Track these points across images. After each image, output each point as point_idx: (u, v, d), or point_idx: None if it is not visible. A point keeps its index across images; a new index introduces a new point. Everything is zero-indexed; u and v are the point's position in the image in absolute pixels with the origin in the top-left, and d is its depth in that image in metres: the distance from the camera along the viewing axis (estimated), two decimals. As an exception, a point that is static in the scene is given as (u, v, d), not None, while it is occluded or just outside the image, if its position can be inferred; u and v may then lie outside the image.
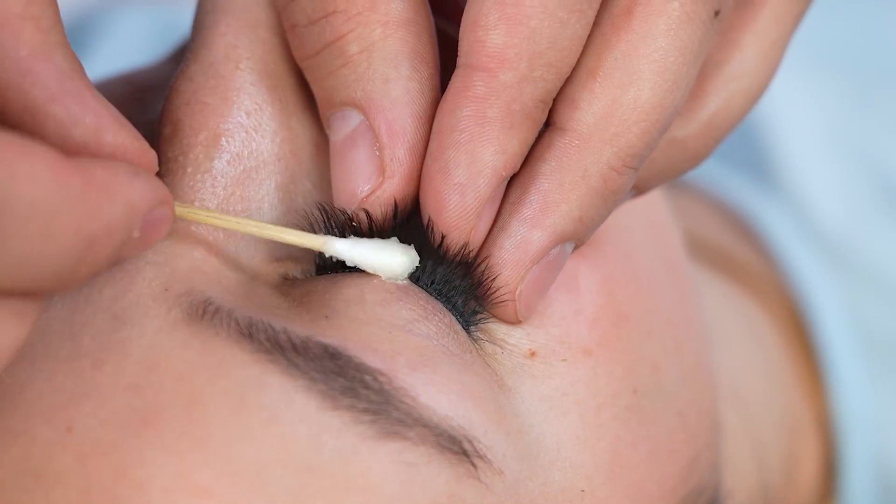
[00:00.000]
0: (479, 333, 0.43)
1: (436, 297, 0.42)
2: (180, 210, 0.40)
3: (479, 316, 0.43)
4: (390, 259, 0.42)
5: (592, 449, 0.43)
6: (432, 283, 0.42)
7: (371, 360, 0.40)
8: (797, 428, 0.66)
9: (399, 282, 0.42)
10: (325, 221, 0.42)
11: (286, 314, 0.41)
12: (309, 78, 0.42)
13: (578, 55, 0.40)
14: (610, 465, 0.43)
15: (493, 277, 0.42)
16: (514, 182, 0.42)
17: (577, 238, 0.42)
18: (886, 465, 0.68)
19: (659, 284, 0.47)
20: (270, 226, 0.42)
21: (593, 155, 0.41)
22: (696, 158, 0.46)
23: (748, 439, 0.60)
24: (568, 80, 0.41)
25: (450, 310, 0.43)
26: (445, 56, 0.43)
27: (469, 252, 0.42)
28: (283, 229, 0.42)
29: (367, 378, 0.39)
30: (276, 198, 0.43)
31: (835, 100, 0.75)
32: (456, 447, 0.39)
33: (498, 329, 0.43)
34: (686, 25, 0.41)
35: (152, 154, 0.39)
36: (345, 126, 0.42)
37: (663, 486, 0.44)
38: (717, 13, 0.41)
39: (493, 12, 0.39)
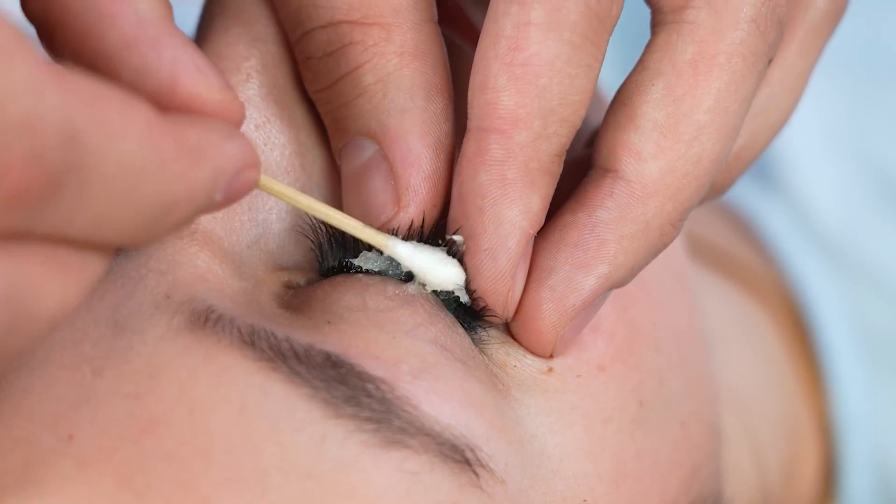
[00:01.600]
0: (491, 344, 0.43)
1: (439, 301, 0.42)
2: (264, 179, 0.40)
3: (483, 320, 0.43)
4: (447, 270, 0.42)
5: (596, 460, 0.43)
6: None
7: (373, 368, 0.40)
8: (797, 430, 0.66)
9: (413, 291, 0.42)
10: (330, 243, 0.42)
11: (288, 322, 0.41)
12: (322, 109, 0.42)
13: (587, 105, 0.40)
14: (613, 476, 0.43)
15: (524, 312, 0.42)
16: (563, 223, 0.42)
17: (624, 284, 0.42)
18: (886, 465, 0.68)
19: (666, 296, 0.47)
20: (338, 212, 0.41)
21: (656, 209, 0.41)
22: (720, 191, 0.46)
23: (748, 444, 0.60)
24: (630, 127, 0.41)
25: (453, 314, 0.42)
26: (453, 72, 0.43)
27: (506, 314, 0.42)
28: (349, 218, 0.41)
29: (370, 386, 0.39)
30: (284, 210, 0.43)
31: (834, 99, 0.75)
32: (458, 456, 0.39)
33: (515, 345, 0.43)
34: (746, 78, 0.41)
35: (237, 105, 0.37)
36: (358, 156, 0.42)
37: (666, 497, 0.44)
38: (770, 61, 0.41)
39: (501, 74, 0.39)
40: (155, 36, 0.37)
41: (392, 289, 0.42)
